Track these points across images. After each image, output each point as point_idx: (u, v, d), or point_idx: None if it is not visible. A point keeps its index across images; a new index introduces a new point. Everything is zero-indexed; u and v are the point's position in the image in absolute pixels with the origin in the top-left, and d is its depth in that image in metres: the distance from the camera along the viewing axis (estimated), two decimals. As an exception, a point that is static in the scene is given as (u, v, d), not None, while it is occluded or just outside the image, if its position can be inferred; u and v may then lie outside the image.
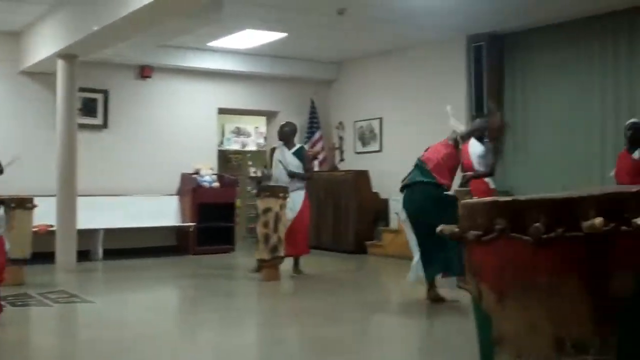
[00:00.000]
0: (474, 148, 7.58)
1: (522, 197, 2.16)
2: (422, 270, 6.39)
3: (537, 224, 2.04)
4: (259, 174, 10.89)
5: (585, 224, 2.00)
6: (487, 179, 7.55)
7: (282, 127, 8.63)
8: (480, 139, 7.61)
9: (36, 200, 7.96)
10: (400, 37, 10.34)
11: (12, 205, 7.66)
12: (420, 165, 6.63)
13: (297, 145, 8.62)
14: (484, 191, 7.14)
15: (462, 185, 7.76)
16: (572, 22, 9.00)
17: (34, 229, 8.13)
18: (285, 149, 8.43)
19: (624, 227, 2.04)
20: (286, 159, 8.32)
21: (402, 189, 6.73)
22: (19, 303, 6.57)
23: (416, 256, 6.47)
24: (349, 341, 5.23)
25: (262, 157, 13.68)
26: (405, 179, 6.75)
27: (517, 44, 9.81)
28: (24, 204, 7.75)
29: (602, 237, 2.01)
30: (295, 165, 8.32)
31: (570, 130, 9.07)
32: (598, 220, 1.98)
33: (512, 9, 8.68)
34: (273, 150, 8.65)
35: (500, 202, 2.21)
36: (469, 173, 7.56)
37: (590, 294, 2.03)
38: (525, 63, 9.70)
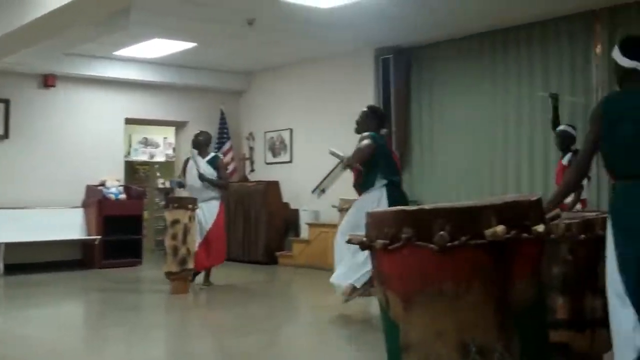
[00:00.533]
0: None
1: (427, 206, 2.21)
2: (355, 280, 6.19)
3: (442, 232, 2.09)
4: (168, 185, 10.71)
5: (488, 231, 2.06)
6: None
7: (196, 135, 8.57)
8: None
9: None
10: (310, 48, 10.42)
11: None
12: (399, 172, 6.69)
13: (212, 154, 8.54)
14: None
15: None
16: (477, 35, 9.29)
17: None
18: (199, 158, 8.35)
19: (525, 235, 2.12)
20: (200, 168, 8.24)
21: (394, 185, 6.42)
22: None
23: (344, 267, 6.15)
24: (257, 353, 5.20)
25: (171, 168, 13.49)
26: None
27: (423, 57, 10.05)
28: None
29: (504, 244, 2.08)
30: (209, 174, 8.24)
31: (475, 141, 9.34)
32: (500, 228, 2.05)
33: (417, 23, 8.89)
34: (187, 160, 8.56)
35: (406, 211, 2.25)
36: None
37: (493, 300, 2.09)
38: (432, 75, 9.95)
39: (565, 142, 6.98)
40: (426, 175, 9.89)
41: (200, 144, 8.43)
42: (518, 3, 8.03)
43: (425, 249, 2.12)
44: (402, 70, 10.12)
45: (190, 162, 8.38)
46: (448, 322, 2.09)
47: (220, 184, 8.33)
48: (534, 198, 2.24)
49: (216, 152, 11.98)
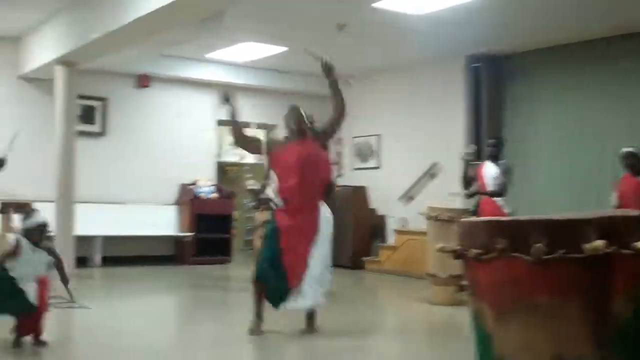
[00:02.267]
0: (488, 169, 7.49)
1: (523, 218, 2.19)
2: None
3: (539, 245, 2.06)
4: (257, 187, 10.85)
5: (587, 246, 2.02)
6: (499, 201, 7.34)
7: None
8: (495, 160, 7.54)
9: (35, 206, 7.94)
10: (400, 55, 10.38)
11: (11, 209, 7.69)
12: None
13: None
14: (492, 212, 7.02)
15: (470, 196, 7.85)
16: (575, 44, 9.03)
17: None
18: None
19: (624, 250, 2.07)
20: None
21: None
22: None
23: None
24: (342, 357, 5.21)
25: (260, 170, 13.68)
26: None
27: (516, 65, 9.85)
28: (23, 208, 7.74)
29: (603, 259, 2.04)
30: None
31: (571, 152, 9.09)
32: (600, 243, 2.01)
33: (510, 31, 8.75)
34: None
35: (501, 222, 2.24)
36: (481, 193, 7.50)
37: (590, 315, 2.05)
38: (525, 84, 9.71)
39: (632, 161, 7.16)
40: (519, 187, 9.65)
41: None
42: (623, 10, 7.76)
43: (520, 260, 2.10)
44: (493, 78, 9.96)
45: None
46: (542, 335, 2.07)
47: None
48: (635, 214, 2.18)
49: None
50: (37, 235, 4.82)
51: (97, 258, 10.19)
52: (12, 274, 4.72)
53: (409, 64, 10.86)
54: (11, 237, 4.61)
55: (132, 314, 6.91)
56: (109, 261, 10.15)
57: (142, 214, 10.83)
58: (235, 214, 12.28)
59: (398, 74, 11.29)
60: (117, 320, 6.45)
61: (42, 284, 4.76)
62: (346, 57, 10.76)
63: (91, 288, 8.72)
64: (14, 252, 4.75)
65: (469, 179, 7.71)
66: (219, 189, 11.49)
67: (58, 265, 4.92)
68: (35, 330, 4.84)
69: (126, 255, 10.59)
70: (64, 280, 5.04)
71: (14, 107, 10.17)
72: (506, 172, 7.39)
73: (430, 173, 10.40)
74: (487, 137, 9.52)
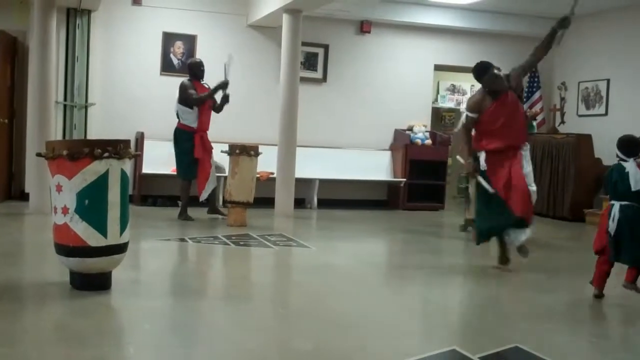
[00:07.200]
0: None
1: None
2: None
3: None
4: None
5: None
6: None
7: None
8: None
9: (260, 149, 8.39)
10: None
11: (237, 151, 8.16)
12: None
13: None
14: None
15: None
16: None
17: (257, 175, 8.59)
18: None
19: None
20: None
21: None
22: (242, 243, 7.05)
23: None
24: (562, 310, 5.02)
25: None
26: None
27: None
28: (247, 151, 8.21)
29: None
30: None
31: None
32: None
33: None
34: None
35: None
36: None
37: None
38: None
39: None
40: None
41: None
42: None
43: None
44: None
45: None
46: None
47: None
48: None
49: (525, 101, 11.82)
50: None
51: (315, 200, 10.58)
52: None
53: (644, 2, 10.02)
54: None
55: (343, 253, 7.08)
56: (323, 203, 10.52)
57: (357, 158, 11.09)
58: (449, 160, 12.17)
59: (632, 13, 10.43)
60: (329, 257, 6.64)
61: None
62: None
63: (310, 228, 9.08)
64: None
65: None
66: (433, 135, 11.43)
67: None
68: None
69: (340, 198, 10.94)
70: None
71: (244, 54, 10.71)
72: None
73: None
74: None
